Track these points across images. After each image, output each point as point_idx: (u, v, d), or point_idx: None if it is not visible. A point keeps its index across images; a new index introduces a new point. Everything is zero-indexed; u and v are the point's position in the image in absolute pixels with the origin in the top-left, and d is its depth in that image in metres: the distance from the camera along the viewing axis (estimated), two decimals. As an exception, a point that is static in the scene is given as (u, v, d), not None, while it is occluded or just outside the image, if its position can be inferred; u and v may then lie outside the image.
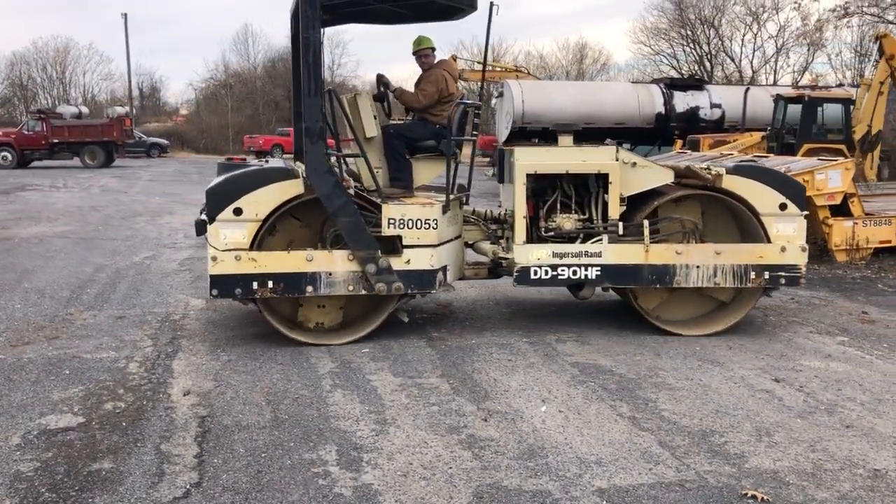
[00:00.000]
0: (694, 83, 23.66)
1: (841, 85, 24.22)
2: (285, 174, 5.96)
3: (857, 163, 13.65)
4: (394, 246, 6.05)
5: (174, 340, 6.29)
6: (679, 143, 18.98)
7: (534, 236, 6.37)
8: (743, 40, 40.08)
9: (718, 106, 22.42)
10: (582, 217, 6.43)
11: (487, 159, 37.81)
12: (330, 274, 5.95)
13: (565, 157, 6.33)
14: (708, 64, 39.57)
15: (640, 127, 21.93)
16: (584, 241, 6.33)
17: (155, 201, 18.10)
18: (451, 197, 6.47)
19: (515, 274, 6.26)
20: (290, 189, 5.92)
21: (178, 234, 12.44)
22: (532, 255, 6.23)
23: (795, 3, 35.03)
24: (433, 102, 6.85)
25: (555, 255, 6.23)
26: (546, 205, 6.44)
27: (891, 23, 27.52)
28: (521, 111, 21.33)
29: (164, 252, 10.67)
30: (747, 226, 6.51)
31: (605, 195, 6.29)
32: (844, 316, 7.36)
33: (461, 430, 4.48)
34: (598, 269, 6.24)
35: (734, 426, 4.54)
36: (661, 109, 22.12)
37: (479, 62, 45.31)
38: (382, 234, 6.02)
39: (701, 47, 40.08)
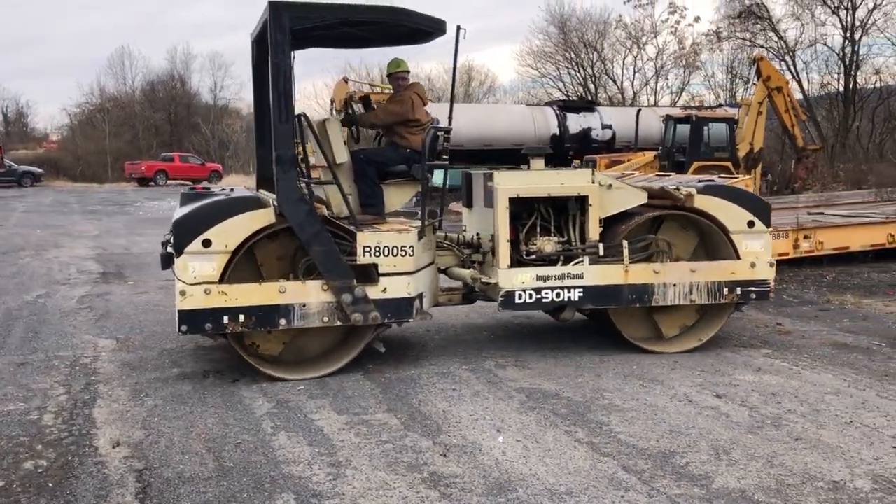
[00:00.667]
0: (585, 105, 24.44)
1: (720, 105, 25.55)
2: (256, 203, 5.74)
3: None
4: (369, 274, 5.87)
5: (89, 386, 5.80)
6: (577, 163, 19.47)
7: (514, 260, 6.29)
8: (624, 63, 41.79)
9: (609, 127, 23.21)
10: (561, 239, 6.40)
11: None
12: (304, 305, 5.74)
13: (545, 181, 6.34)
14: (592, 86, 40.95)
15: (537, 148, 22.39)
16: (565, 264, 6.31)
17: (37, 234, 16.96)
18: (426, 222, 6.35)
19: (500, 299, 6.18)
20: (260, 218, 5.69)
21: (70, 269, 11.66)
22: (517, 279, 6.17)
23: (672, 27, 37.00)
24: (394, 122, 6.70)
25: (538, 278, 6.18)
26: (525, 228, 6.41)
27: (761, 46, 29.33)
28: (419, 134, 21.42)
29: (59, 289, 9.94)
30: (715, 244, 6.68)
31: (582, 217, 6.34)
32: (762, 328, 7.63)
33: (422, 467, 4.30)
34: (581, 290, 6.24)
35: (691, 446, 4.56)
36: (556, 131, 22.69)
37: (371, 83, 45.23)
38: (357, 262, 5.84)
39: (585, 70, 41.48)
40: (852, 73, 28.94)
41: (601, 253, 6.28)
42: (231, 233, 5.60)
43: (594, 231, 6.30)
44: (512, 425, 4.92)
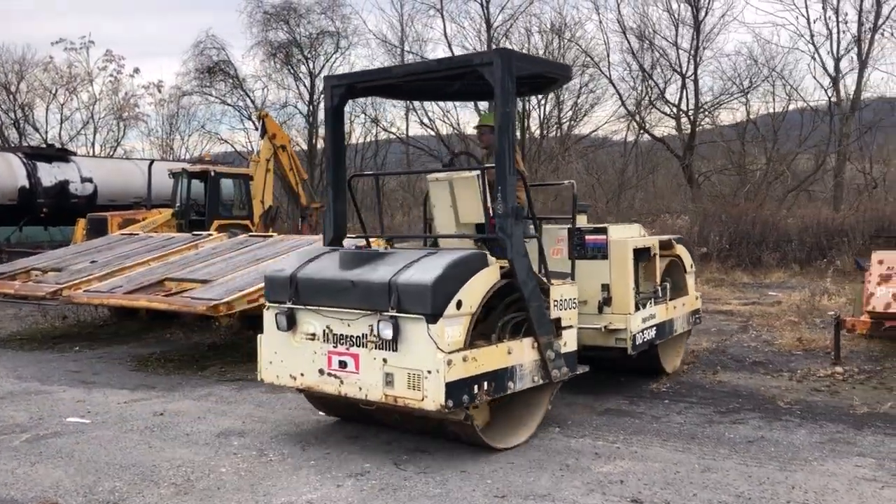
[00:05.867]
0: (58, 154, 20.69)
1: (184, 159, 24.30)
2: (485, 260, 5.29)
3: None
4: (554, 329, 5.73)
5: None
6: (81, 222, 16.14)
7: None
8: (48, 109, 37.08)
9: (90, 180, 20.06)
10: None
11: None
12: (521, 366, 5.42)
13: (630, 234, 7.14)
14: (15, 133, 35.25)
15: (2, 204, 18.04)
16: (644, 307, 6.84)
17: None
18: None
19: (630, 343, 6.57)
20: (492, 276, 5.29)
21: None
22: (635, 323, 6.63)
23: (111, 76, 34.58)
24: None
25: (643, 320, 6.77)
26: None
27: (229, 104, 29.16)
28: None
29: None
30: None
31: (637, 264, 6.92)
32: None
33: None
34: (655, 328, 7.01)
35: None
36: (25, 183, 18.68)
37: None
38: (552, 317, 5.70)
39: (6, 113, 35.50)
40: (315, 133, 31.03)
41: (661, 294, 7.15)
42: (476, 292, 5.16)
43: (659, 275, 7.22)
44: None
